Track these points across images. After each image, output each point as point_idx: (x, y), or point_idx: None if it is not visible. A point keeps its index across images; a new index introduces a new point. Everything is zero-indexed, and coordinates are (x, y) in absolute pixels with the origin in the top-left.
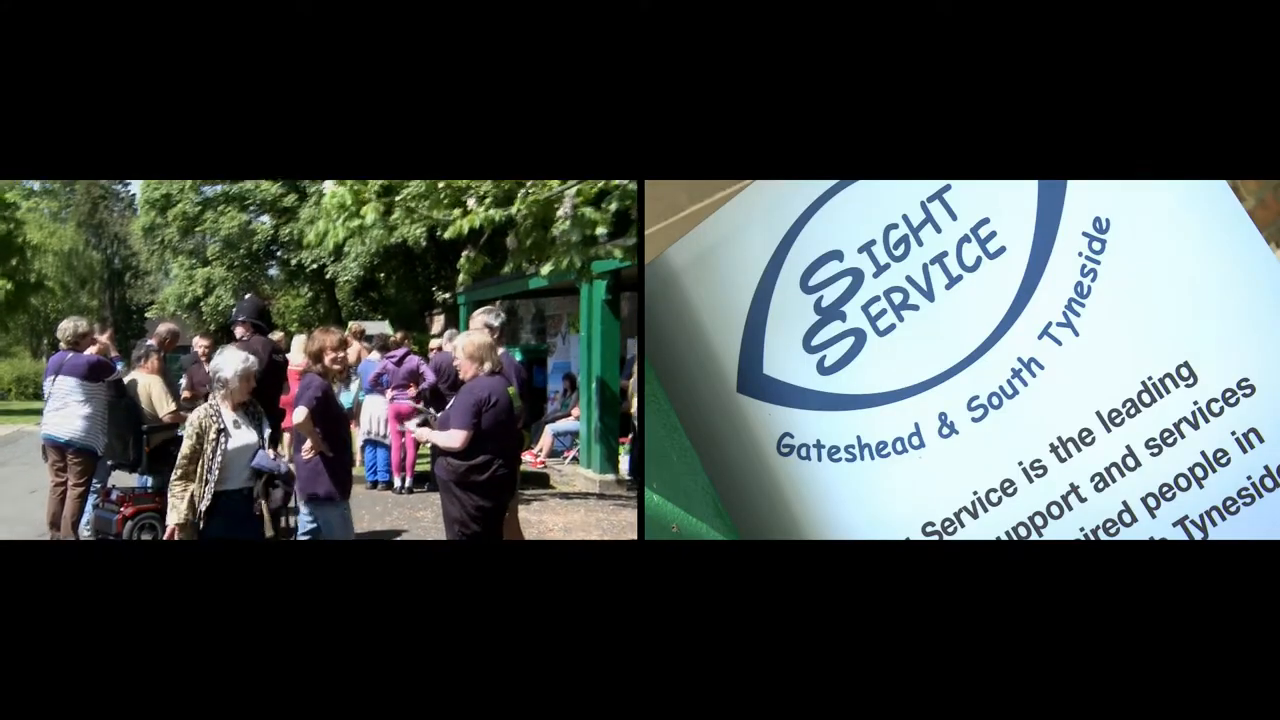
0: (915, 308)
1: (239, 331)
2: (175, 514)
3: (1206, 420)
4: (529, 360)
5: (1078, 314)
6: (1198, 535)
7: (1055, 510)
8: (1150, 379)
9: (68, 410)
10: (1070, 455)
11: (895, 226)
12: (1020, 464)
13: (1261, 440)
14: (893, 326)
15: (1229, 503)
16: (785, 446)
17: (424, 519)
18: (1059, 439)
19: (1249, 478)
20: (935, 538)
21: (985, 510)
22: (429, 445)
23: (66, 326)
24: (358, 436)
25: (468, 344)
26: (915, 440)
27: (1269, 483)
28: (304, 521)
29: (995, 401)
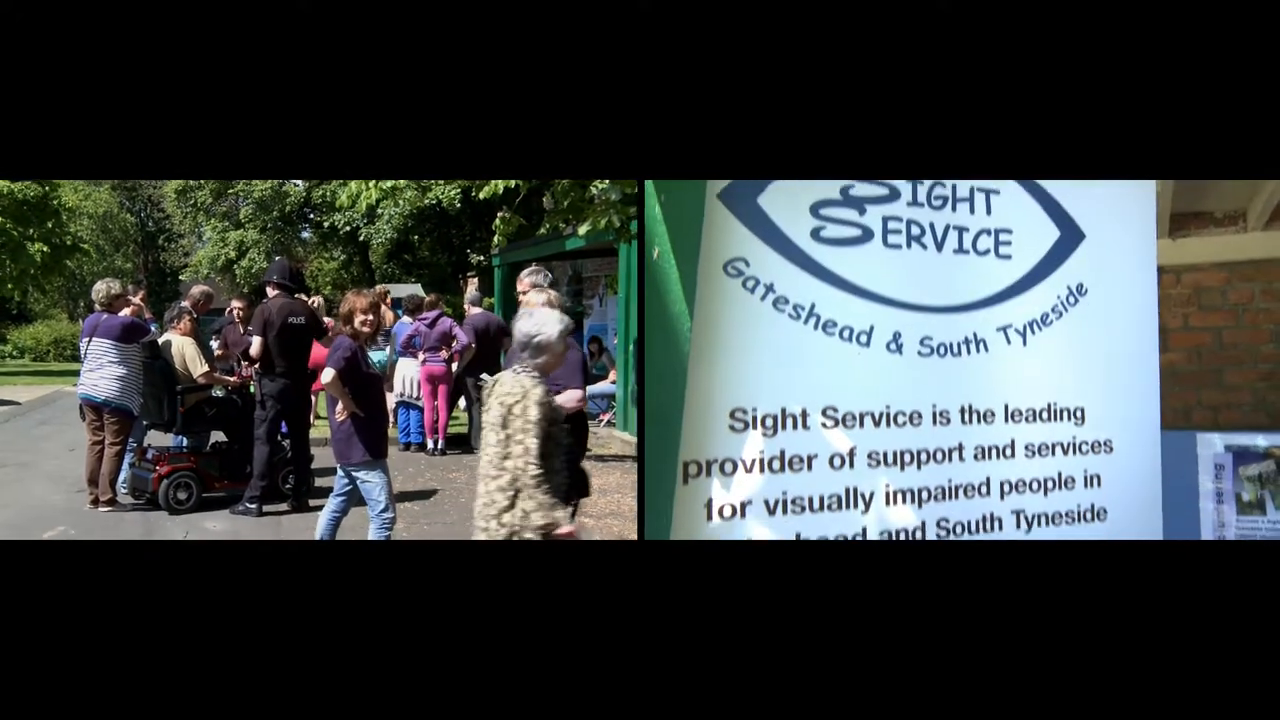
0: (924, 247)
1: (270, 292)
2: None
3: (1073, 453)
4: None
5: (1033, 333)
6: (1024, 526)
7: (939, 456)
8: (1055, 404)
9: (103, 371)
10: (968, 423)
11: (943, 185)
12: (933, 406)
13: (1100, 485)
14: (898, 247)
15: (1055, 515)
16: (733, 269)
17: (457, 480)
18: (968, 405)
19: (1078, 504)
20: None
21: (876, 426)
22: (465, 408)
23: (100, 288)
24: (390, 399)
25: (557, 301)
26: (863, 338)
27: (1089, 515)
28: (340, 484)
29: (942, 350)
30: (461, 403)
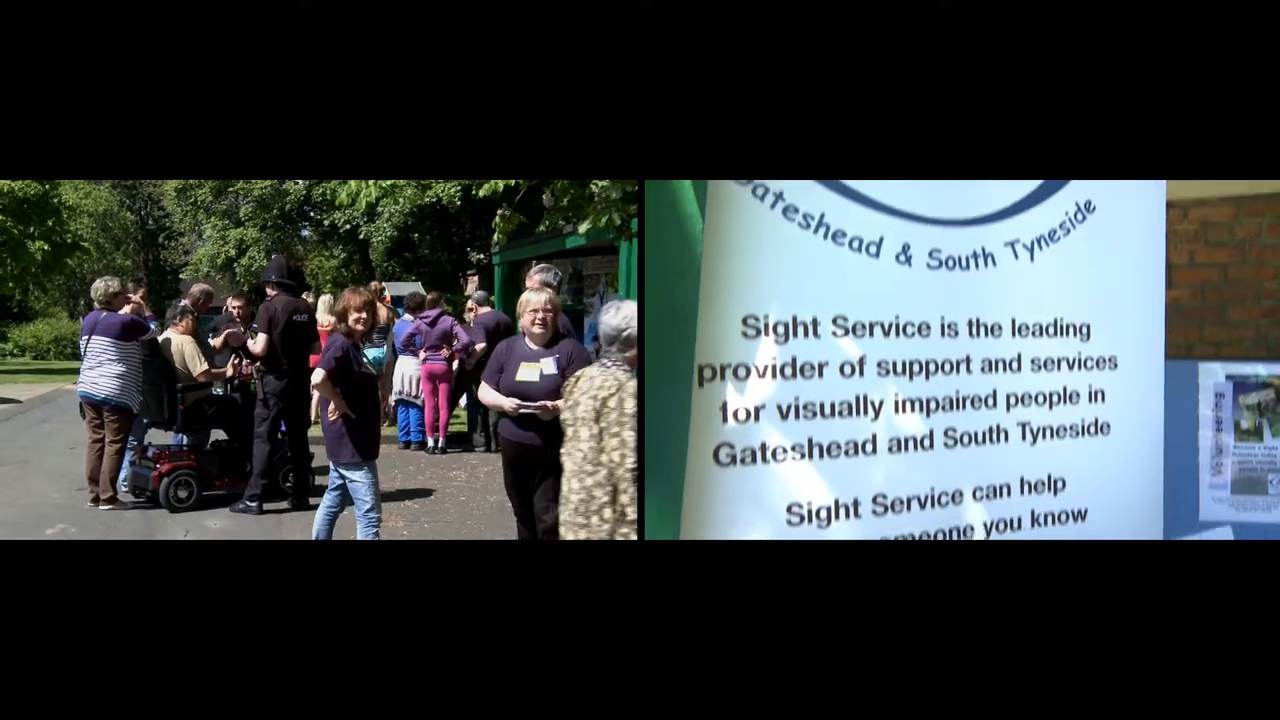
0: None
1: (269, 291)
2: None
3: (1078, 368)
4: None
5: (1041, 249)
6: (1029, 439)
7: (947, 367)
8: (1061, 319)
9: (103, 369)
10: (975, 336)
11: None
12: (942, 318)
13: (1104, 400)
14: None
15: (1060, 428)
16: (760, 188)
17: (456, 479)
18: (976, 318)
19: (1082, 419)
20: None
21: (886, 336)
22: (466, 407)
23: (99, 286)
24: (389, 397)
25: (557, 302)
26: (872, 249)
27: (1092, 429)
28: (334, 479)
29: (950, 263)
30: (462, 401)
